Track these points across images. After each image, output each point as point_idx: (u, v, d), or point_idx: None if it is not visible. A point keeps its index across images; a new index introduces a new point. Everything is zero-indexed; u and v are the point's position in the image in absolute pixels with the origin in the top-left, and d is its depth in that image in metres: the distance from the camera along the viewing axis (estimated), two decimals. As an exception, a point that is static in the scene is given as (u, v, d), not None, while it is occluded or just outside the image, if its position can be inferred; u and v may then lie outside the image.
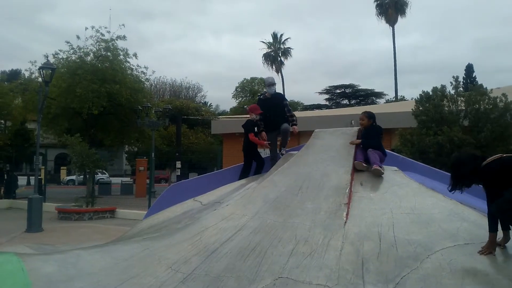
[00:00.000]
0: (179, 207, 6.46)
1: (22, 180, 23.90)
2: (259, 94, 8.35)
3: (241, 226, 4.38)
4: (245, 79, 52.49)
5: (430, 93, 12.99)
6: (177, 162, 21.37)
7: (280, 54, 52.87)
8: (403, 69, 77.20)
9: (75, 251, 4.25)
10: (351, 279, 3.25)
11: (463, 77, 41.48)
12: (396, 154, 6.85)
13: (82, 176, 25.23)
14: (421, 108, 12.88)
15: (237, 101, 52.53)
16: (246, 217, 4.57)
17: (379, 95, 50.78)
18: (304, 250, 3.72)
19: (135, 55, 20.04)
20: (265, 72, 50.30)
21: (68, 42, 19.17)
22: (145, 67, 21.11)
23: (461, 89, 13.31)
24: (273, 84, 7.03)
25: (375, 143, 5.42)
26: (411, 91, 69.11)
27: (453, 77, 12.96)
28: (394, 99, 43.42)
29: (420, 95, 13.40)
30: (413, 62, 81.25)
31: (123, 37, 19.42)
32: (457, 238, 3.66)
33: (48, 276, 3.76)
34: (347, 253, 3.59)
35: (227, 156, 21.09)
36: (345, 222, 4.08)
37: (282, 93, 7.24)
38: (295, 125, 6.93)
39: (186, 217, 5.61)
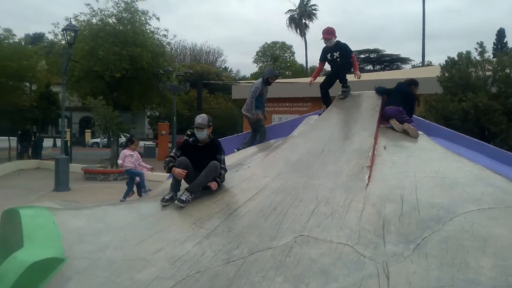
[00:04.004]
0: (201, 168, 6.56)
1: (48, 142, 24.61)
2: (187, 134, 4.70)
3: (263, 186, 4.43)
4: (266, 43, 51.69)
5: (456, 58, 12.57)
6: (198, 127, 21.53)
7: (305, 17, 51.68)
8: (432, 34, 74.30)
9: (102, 206, 4.41)
10: (371, 239, 3.28)
11: (494, 42, 39.73)
12: (422, 119, 6.72)
13: (106, 139, 25.80)
14: (446, 74, 12.51)
15: (258, 66, 51.98)
16: (267, 178, 4.61)
17: (405, 60, 49.24)
18: (325, 210, 3.75)
19: (154, 15, 19.92)
20: (289, 36, 49.37)
21: (88, 5, 19.15)
22: (165, 30, 21.01)
23: (490, 54, 12.78)
24: (202, 128, 4.64)
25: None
26: (440, 57, 66.95)
27: (477, 43, 12.46)
28: (420, 64, 42.08)
29: (446, 61, 12.98)
30: (443, 27, 78.07)
31: None
32: (481, 202, 3.63)
33: (77, 229, 3.93)
34: (368, 214, 3.60)
35: (248, 121, 21.05)
36: (367, 184, 4.07)
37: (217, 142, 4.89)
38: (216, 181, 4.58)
39: (208, 177, 5.69)
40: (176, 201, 4.27)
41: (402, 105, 5.52)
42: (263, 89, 6.98)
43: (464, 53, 12.47)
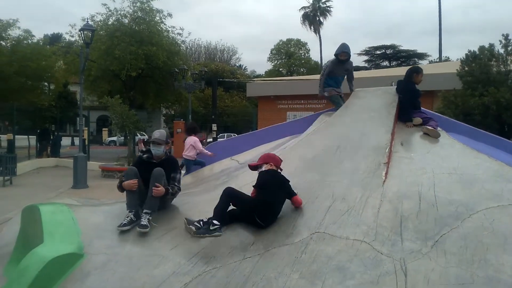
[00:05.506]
0: (217, 165, 6.61)
1: (66, 141, 25.00)
2: (142, 151, 4.49)
3: (278, 183, 4.41)
4: (281, 40, 51.58)
5: (477, 52, 12.31)
6: (213, 125, 21.67)
7: (319, 14, 51.30)
8: (451, 29, 72.73)
9: (120, 203, 4.45)
10: (389, 236, 3.25)
11: (513, 37, 38.73)
12: (439, 114, 6.61)
13: (122, 137, 26.15)
14: (466, 69, 12.28)
15: (273, 64, 51.93)
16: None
17: (422, 56, 48.38)
18: (341, 207, 3.73)
19: (170, 15, 20.08)
20: (303, 33, 49.05)
21: (105, 5, 19.41)
22: (180, 29, 21.17)
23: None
24: (159, 144, 4.35)
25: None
26: (458, 52, 65.31)
27: (503, 35, 12.15)
28: (438, 60, 41.33)
29: (466, 54, 12.73)
30: (463, 22, 76.52)
31: None
32: (501, 198, 3.56)
33: (96, 226, 3.99)
34: (385, 211, 3.57)
35: (262, 119, 21.10)
36: (384, 181, 4.03)
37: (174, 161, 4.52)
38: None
39: (224, 174, 5.73)
40: (138, 228, 3.81)
41: (406, 107, 5.42)
42: (333, 68, 6.51)
43: (487, 46, 12.19)
